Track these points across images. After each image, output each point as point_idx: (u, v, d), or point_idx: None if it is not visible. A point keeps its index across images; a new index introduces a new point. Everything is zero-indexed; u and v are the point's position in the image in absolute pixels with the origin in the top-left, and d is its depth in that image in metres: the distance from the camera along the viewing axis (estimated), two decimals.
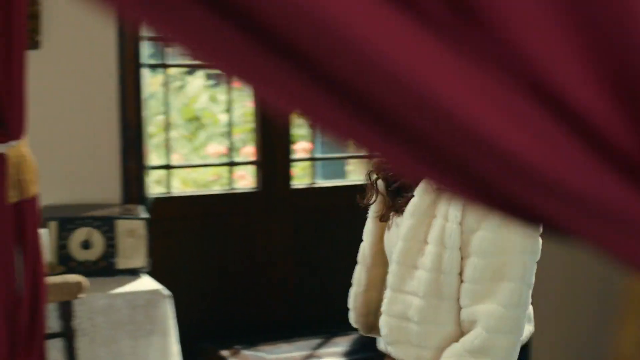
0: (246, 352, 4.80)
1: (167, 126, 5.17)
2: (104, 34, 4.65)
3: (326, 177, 5.94)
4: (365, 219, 2.80)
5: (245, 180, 5.62)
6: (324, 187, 5.47)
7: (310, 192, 5.38)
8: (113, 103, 4.70)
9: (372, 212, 2.76)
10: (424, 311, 2.49)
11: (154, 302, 4.11)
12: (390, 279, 2.57)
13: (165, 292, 4.14)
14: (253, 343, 4.92)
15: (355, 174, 5.88)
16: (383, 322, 2.57)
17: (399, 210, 2.62)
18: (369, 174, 2.73)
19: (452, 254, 2.47)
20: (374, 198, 2.72)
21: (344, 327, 5.11)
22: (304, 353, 4.88)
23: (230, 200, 5.21)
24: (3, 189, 3.26)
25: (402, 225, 2.55)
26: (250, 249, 5.17)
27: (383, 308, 2.58)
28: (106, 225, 4.30)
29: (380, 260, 2.74)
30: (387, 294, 2.57)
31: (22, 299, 3.32)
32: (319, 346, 4.98)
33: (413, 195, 2.53)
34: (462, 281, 2.48)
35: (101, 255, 4.29)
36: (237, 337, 5.00)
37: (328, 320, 5.20)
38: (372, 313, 2.75)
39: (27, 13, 3.26)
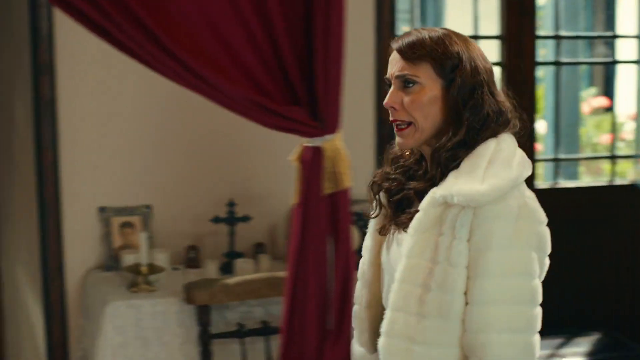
0: None
1: None
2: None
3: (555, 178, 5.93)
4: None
5: None
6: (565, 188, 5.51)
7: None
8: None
9: (372, 226, 2.60)
10: (429, 332, 2.32)
11: None
12: (391, 298, 2.38)
13: None
14: None
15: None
16: (383, 344, 2.38)
17: (401, 225, 2.47)
18: (370, 186, 2.58)
19: (459, 273, 2.31)
20: (377, 211, 2.57)
21: (584, 328, 5.19)
22: (547, 352, 4.89)
23: None
24: (319, 180, 3.36)
25: (405, 241, 2.39)
26: None
27: (383, 329, 2.39)
28: None
29: (380, 276, 2.59)
30: (388, 314, 2.38)
31: (333, 290, 3.41)
32: (561, 346, 4.99)
33: (417, 211, 2.37)
34: (466, 302, 2.32)
35: None
36: None
37: (567, 320, 5.21)
38: (377, 331, 2.51)
39: (344, 15, 3.36)
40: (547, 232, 2.37)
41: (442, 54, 2.39)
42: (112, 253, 4.54)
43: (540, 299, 2.33)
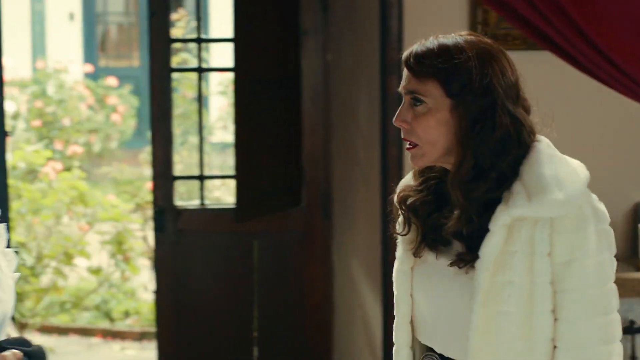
0: None
1: None
2: None
3: None
4: None
5: None
6: None
7: None
8: None
9: (403, 247, 2.35)
10: (516, 355, 2.18)
11: None
12: (473, 324, 2.18)
13: None
14: None
15: None
16: None
17: (435, 246, 2.27)
18: (400, 201, 2.33)
19: (544, 291, 2.16)
20: (407, 229, 2.33)
21: None
22: None
23: None
24: None
25: (479, 265, 2.16)
26: None
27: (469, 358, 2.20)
28: None
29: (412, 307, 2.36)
30: (471, 344, 2.19)
31: None
32: None
33: (459, 222, 2.18)
34: (556, 319, 2.18)
35: None
36: None
37: None
38: None
39: None
40: (612, 232, 2.24)
41: (449, 70, 2.18)
42: None
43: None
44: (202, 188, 5.26)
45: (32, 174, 7.80)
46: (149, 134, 10.63)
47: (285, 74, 4.92)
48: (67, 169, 8.54)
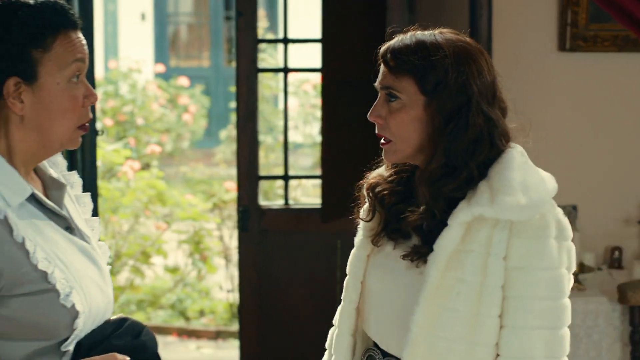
0: None
1: None
2: None
3: None
4: None
5: None
6: None
7: None
8: None
9: (364, 233, 2.34)
10: (456, 357, 2.13)
11: None
12: (415, 319, 2.14)
13: None
14: None
15: None
16: None
17: (396, 237, 2.25)
18: (369, 187, 2.32)
19: (494, 294, 2.11)
20: (371, 215, 2.32)
21: None
22: None
23: None
24: None
25: (431, 259, 2.13)
26: None
27: (404, 353, 2.16)
28: None
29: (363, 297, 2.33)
30: (410, 338, 2.15)
31: None
32: None
33: (421, 217, 2.16)
34: (502, 326, 2.13)
35: None
36: None
37: None
38: None
39: None
40: (574, 249, 2.19)
41: (425, 67, 2.15)
42: None
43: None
44: (286, 188, 5.28)
45: (109, 172, 7.88)
46: (219, 134, 10.78)
47: (372, 74, 4.92)
48: (143, 168, 8.61)
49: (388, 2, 4.98)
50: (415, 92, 2.17)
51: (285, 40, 5.21)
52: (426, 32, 2.21)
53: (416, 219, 2.19)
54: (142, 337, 2.17)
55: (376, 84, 2.25)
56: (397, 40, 2.21)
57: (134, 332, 2.17)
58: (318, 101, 9.70)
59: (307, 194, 8.93)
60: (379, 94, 2.23)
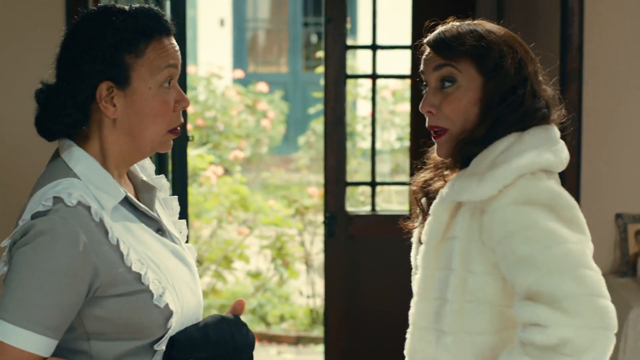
0: None
1: None
2: None
3: None
4: None
5: None
6: None
7: None
8: None
9: (415, 236, 2.36)
10: (450, 350, 2.14)
11: None
12: (411, 315, 2.24)
13: None
14: None
15: None
16: None
17: None
18: (414, 194, 2.34)
19: (482, 280, 2.11)
20: (420, 219, 2.31)
21: None
22: None
23: None
24: None
25: (420, 251, 2.20)
26: None
27: (406, 349, 2.23)
28: None
29: None
30: (409, 334, 2.23)
31: None
32: None
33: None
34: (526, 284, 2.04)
35: None
36: None
37: None
38: None
39: None
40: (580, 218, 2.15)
41: (483, 47, 2.17)
42: (627, 259, 4.55)
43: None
44: (373, 194, 5.27)
45: (192, 177, 7.94)
46: (297, 140, 10.82)
47: None
48: (225, 173, 8.67)
49: (478, 8, 4.96)
50: (473, 73, 2.19)
51: (374, 47, 5.21)
52: (463, 22, 2.24)
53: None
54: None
55: (423, 75, 2.26)
56: (443, 28, 2.23)
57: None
58: (396, 107, 9.68)
59: (389, 200, 8.92)
60: (429, 85, 2.23)
